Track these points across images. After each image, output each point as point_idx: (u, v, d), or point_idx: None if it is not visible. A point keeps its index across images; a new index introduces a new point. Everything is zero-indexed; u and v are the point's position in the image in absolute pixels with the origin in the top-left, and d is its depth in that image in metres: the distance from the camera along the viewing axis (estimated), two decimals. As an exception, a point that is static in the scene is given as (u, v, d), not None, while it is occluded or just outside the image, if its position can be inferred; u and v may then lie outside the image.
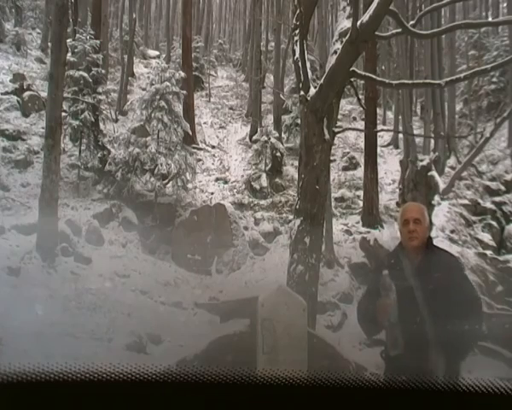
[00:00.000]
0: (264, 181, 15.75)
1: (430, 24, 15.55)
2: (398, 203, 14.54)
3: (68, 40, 12.71)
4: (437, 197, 11.97)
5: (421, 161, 12.34)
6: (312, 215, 6.64)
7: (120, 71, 20.92)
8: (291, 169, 16.53)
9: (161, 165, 13.38)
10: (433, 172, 12.13)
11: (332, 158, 12.24)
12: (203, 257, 12.47)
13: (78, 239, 11.28)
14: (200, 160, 17.00)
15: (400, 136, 16.93)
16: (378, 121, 18.31)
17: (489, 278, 10.26)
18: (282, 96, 18.82)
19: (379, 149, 16.30)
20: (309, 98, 6.76)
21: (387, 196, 15.66)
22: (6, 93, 16.31)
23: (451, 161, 16.51)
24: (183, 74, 15.08)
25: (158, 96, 13.87)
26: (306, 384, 1.19)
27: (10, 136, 14.59)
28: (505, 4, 27.62)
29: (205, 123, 20.47)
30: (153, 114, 13.89)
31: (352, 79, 7.68)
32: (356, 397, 1.20)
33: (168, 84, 13.94)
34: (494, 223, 12.69)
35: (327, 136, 6.72)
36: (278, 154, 16.26)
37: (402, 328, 2.47)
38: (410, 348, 2.43)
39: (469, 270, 9.79)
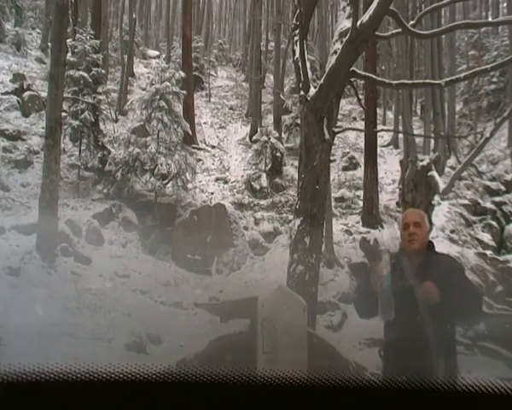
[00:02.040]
0: (264, 181, 15.74)
1: (430, 24, 15.55)
2: (398, 203, 14.55)
3: (68, 40, 12.72)
4: (437, 197, 11.97)
5: (421, 161, 12.34)
6: (312, 215, 6.64)
7: (120, 71, 20.92)
8: (291, 169, 16.53)
9: (161, 165, 13.37)
10: (433, 172, 12.13)
11: (332, 158, 12.24)
12: (203, 257, 12.46)
13: (78, 239, 11.28)
14: (200, 160, 17.00)
15: (400, 136, 16.92)
16: (378, 121, 18.30)
17: (489, 278, 10.26)
18: (282, 96, 18.80)
19: (379, 149, 16.30)
20: (309, 98, 6.76)
21: (387, 196, 15.65)
22: (6, 93, 16.31)
23: (451, 161, 16.50)
24: (183, 74, 15.07)
25: (158, 96, 13.87)
26: (306, 384, 1.19)
27: (10, 136, 14.60)
28: (505, 4, 27.61)
29: (205, 123, 20.47)
30: (153, 114, 13.88)
31: (352, 79, 7.68)
32: (356, 397, 1.20)
33: (168, 84, 13.93)
34: (494, 223, 12.70)
35: (327, 136, 6.72)
36: (278, 154, 16.25)
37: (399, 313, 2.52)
38: (410, 348, 2.43)
39: (469, 270, 9.80)
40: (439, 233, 11.17)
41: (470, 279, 2.78)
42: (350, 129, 15.67)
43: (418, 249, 2.66)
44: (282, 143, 17.10)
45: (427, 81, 12.02)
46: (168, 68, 14.75)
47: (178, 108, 15.34)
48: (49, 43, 15.88)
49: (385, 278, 2.58)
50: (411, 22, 7.17)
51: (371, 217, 14.02)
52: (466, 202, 13.08)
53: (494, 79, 21.81)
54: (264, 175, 15.90)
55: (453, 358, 2.58)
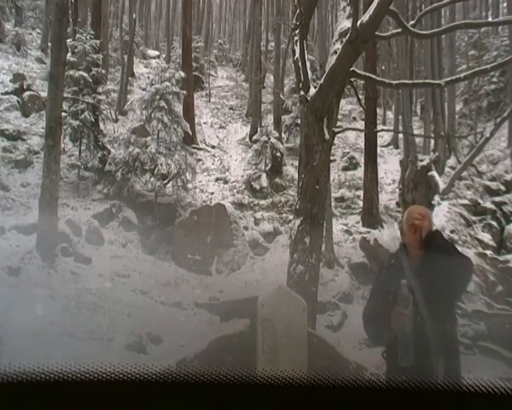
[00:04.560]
0: (264, 181, 15.74)
1: (430, 24, 15.55)
2: (398, 203, 14.55)
3: (68, 40, 12.71)
4: (437, 197, 11.98)
5: (421, 161, 12.35)
6: (312, 215, 6.64)
7: (120, 71, 20.91)
8: (291, 169, 16.53)
9: (161, 165, 13.37)
10: (433, 172, 12.14)
11: (332, 158, 12.24)
12: (203, 257, 12.46)
13: (78, 239, 11.28)
14: (200, 160, 17.00)
15: (400, 136, 16.92)
16: (378, 121, 18.30)
17: (489, 278, 10.26)
18: (282, 96, 18.81)
19: (379, 149, 16.29)
20: (309, 98, 6.76)
21: (387, 196, 15.65)
22: (6, 93, 16.30)
23: (451, 161, 16.50)
24: (183, 74, 15.07)
25: (158, 96, 13.86)
26: (306, 384, 1.19)
27: (10, 136, 14.59)
28: (505, 4, 27.61)
29: (205, 123, 20.47)
30: (153, 114, 13.88)
31: (352, 79, 7.69)
32: (356, 397, 1.20)
33: (168, 84, 13.93)
34: (494, 223, 12.69)
35: (327, 136, 6.72)
36: (278, 154, 16.25)
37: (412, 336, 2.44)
38: (414, 349, 2.43)
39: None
40: (439, 233, 11.15)
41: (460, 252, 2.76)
42: (350, 129, 15.67)
43: (423, 254, 2.61)
44: (282, 143, 17.10)
45: (427, 81, 12.02)
46: (168, 68, 14.74)
47: (178, 108, 15.34)
48: (49, 43, 15.88)
49: (408, 322, 2.42)
50: (411, 22, 7.18)
51: (371, 217, 14.02)
52: (466, 202, 13.07)
53: (494, 79, 21.80)
54: (264, 175, 15.90)
55: (456, 358, 2.57)
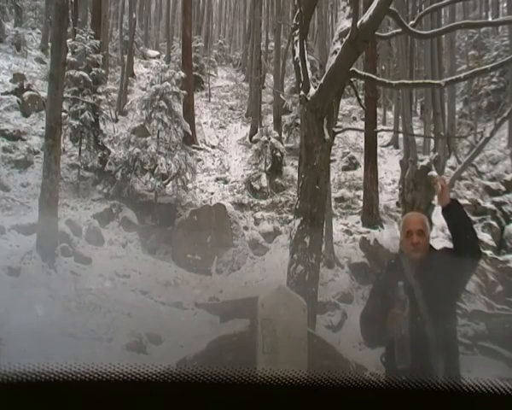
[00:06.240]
0: (264, 181, 15.74)
1: (430, 24, 15.55)
2: (398, 203, 14.55)
3: (68, 40, 12.71)
4: (437, 197, 11.94)
5: (421, 161, 12.34)
6: (312, 215, 6.64)
7: (120, 71, 20.91)
8: (291, 169, 16.53)
9: (161, 165, 13.37)
10: (433, 173, 12.12)
11: (332, 158, 12.24)
12: (203, 257, 12.46)
13: (78, 239, 11.28)
14: (200, 160, 17.00)
15: (400, 136, 16.91)
16: (378, 121, 18.29)
17: (489, 278, 10.26)
18: (282, 96, 18.81)
19: (379, 149, 16.29)
20: (309, 98, 6.76)
21: (387, 196, 15.65)
22: (6, 93, 16.30)
23: (451, 161, 16.50)
24: (183, 74, 15.07)
25: (158, 96, 13.87)
26: (306, 384, 1.19)
27: (10, 136, 14.59)
28: (505, 4, 27.62)
29: (205, 123, 20.47)
30: (153, 114, 13.88)
31: (352, 79, 7.69)
32: (356, 397, 1.20)
33: (168, 84, 13.93)
34: (494, 223, 12.70)
35: (327, 136, 6.72)
36: (278, 154, 16.25)
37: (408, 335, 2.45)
38: (413, 351, 2.43)
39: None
40: (438, 233, 11.15)
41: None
42: (350, 129, 15.67)
43: (422, 258, 2.63)
44: (282, 143, 17.10)
45: (427, 81, 12.02)
46: (168, 68, 14.75)
47: (178, 108, 15.33)
48: (49, 43, 15.87)
49: (404, 323, 2.42)
50: (411, 22, 7.17)
51: (371, 217, 14.02)
52: (466, 202, 13.07)
53: (494, 79, 21.80)
54: (264, 175, 15.90)
55: (455, 359, 2.57)
